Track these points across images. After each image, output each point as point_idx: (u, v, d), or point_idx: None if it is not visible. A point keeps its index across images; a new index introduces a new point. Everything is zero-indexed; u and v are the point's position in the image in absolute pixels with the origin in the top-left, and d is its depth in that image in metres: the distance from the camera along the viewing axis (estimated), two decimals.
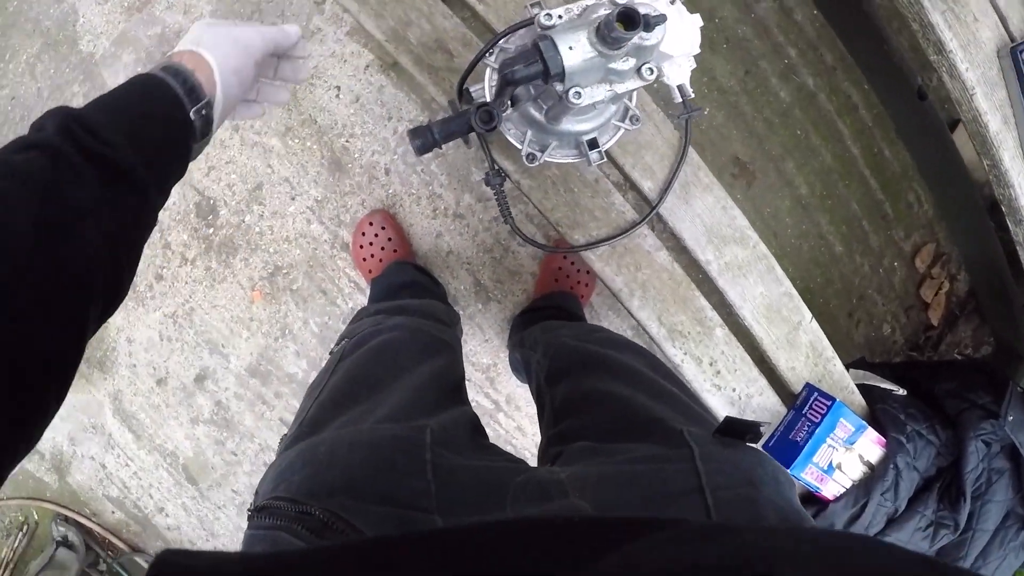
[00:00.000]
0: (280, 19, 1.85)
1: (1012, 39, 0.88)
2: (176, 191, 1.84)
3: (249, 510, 0.58)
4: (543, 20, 0.64)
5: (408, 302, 1.38)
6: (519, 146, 0.86)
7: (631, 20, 0.58)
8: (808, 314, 1.11)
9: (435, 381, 0.89)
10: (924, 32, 0.87)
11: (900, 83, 1.65)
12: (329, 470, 0.60)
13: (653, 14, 0.60)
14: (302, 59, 0.80)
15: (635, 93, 0.87)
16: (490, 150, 0.95)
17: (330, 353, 1.09)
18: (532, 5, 0.77)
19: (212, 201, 1.73)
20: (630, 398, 0.82)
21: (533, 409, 1.01)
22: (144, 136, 0.54)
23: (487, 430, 1.77)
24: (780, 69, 1.73)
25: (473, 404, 1.78)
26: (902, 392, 1.26)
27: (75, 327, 0.46)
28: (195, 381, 1.82)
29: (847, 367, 1.19)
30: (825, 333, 1.14)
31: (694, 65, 0.74)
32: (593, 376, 0.94)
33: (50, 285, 0.43)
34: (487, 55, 0.79)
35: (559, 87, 0.65)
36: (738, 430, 0.65)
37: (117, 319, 1.82)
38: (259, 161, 1.73)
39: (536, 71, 0.63)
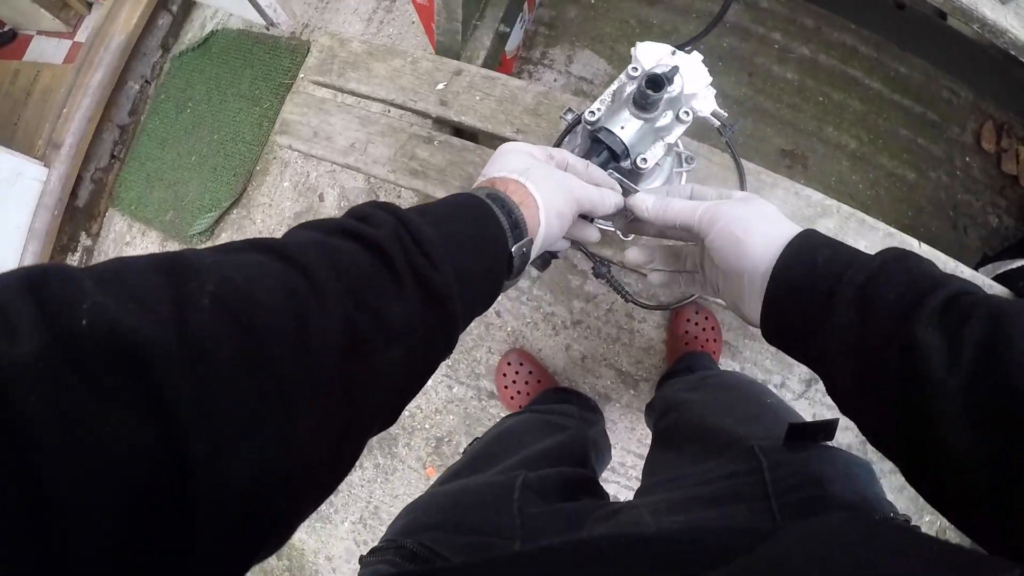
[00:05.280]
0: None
1: None
2: None
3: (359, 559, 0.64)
4: (588, 117, 0.74)
5: (537, 407, 1.44)
6: (610, 229, 0.93)
7: (657, 82, 0.69)
8: (915, 241, 1.14)
9: (553, 450, 0.94)
10: None
11: (875, 5, 1.73)
12: (425, 512, 0.69)
13: (667, 70, 0.71)
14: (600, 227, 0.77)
15: (679, 140, 0.97)
16: (585, 248, 1.02)
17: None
18: (564, 113, 0.89)
19: None
20: (716, 425, 0.87)
21: None
22: (468, 264, 0.50)
23: None
24: (775, 55, 1.83)
25: None
26: None
27: (357, 446, 0.42)
28: None
29: (975, 269, 1.20)
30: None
31: (714, 91, 0.83)
32: (690, 413, 1.00)
33: (342, 405, 0.38)
34: None
35: (626, 163, 0.75)
36: (808, 433, 0.69)
37: (311, 542, 1.91)
38: None
39: (605, 158, 0.74)
